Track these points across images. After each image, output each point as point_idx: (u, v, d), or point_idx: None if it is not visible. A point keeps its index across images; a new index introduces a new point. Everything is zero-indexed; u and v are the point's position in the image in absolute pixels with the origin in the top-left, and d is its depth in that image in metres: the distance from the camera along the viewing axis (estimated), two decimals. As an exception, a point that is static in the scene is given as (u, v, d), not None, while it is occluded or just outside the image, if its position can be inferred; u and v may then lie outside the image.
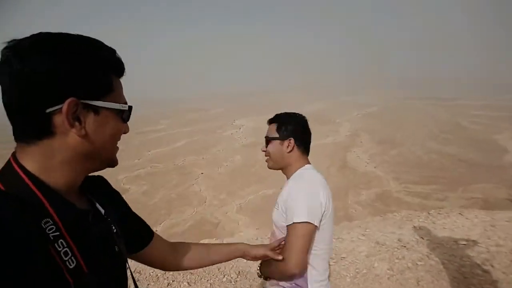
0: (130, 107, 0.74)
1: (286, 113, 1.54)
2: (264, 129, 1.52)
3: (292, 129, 1.48)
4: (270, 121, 1.53)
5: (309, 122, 1.51)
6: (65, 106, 0.59)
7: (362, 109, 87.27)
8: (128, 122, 0.75)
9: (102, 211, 0.77)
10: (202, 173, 40.59)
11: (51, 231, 0.58)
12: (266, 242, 4.37)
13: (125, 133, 0.77)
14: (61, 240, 0.58)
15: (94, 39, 0.69)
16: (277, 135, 1.48)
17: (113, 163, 0.76)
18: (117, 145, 0.76)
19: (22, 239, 0.53)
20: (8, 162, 0.64)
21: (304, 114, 1.55)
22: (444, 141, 48.20)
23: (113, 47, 0.69)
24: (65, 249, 0.58)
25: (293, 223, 1.25)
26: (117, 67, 0.70)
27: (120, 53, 0.71)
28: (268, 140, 1.49)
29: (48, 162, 0.63)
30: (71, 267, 0.59)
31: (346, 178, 35.79)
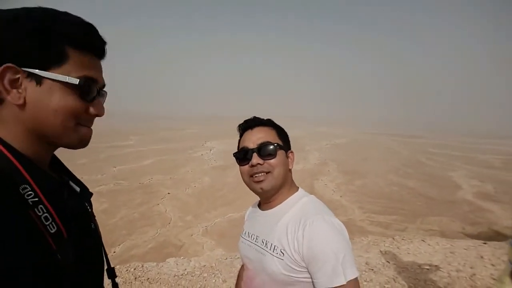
0: (85, 83, 0.66)
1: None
2: (234, 151, 1.15)
3: (289, 140, 1.19)
4: (262, 123, 1.14)
5: None
6: None
7: (332, 139, 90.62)
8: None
9: (77, 189, 0.77)
10: (168, 193, 39.25)
11: (29, 197, 0.56)
12: (236, 262, 4.31)
13: (96, 115, 0.72)
14: (40, 205, 0.57)
15: (59, 12, 0.65)
16: (281, 143, 1.12)
17: (69, 144, 0.70)
18: (79, 123, 0.69)
19: (0, 203, 0.52)
20: None
21: None
22: (404, 175, 50.79)
23: None
24: (45, 214, 0.57)
25: (348, 281, 0.87)
26: (78, 40, 0.65)
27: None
28: (272, 148, 1.06)
29: (13, 130, 0.62)
30: (52, 231, 0.58)
31: (313, 206, 36.17)
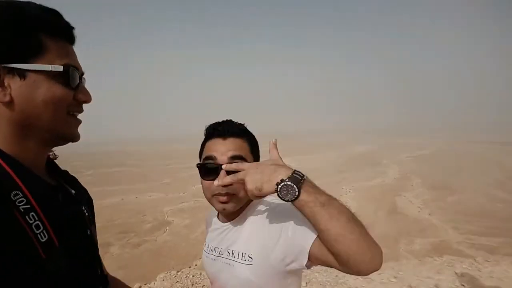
0: (69, 69, 0.64)
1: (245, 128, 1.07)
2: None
3: (259, 154, 1.10)
4: (236, 133, 1.02)
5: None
6: None
7: (413, 151, 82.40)
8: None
9: (73, 192, 0.74)
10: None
11: (21, 204, 0.54)
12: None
13: (84, 101, 0.69)
14: (32, 213, 0.55)
15: (22, 1, 0.62)
16: (253, 160, 1.03)
17: (65, 136, 0.67)
18: (70, 114, 0.67)
19: None
20: None
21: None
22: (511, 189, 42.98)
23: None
24: (36, 222, 0.55)
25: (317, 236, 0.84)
26: (51, 27, 0.63)
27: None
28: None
29: (2, 131, 0.60)
30: (42, 240, 0.56)
31: (396, 224, 33.02)
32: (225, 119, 1.07)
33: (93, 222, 0.79)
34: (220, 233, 1.09)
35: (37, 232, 0.55)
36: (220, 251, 1.06)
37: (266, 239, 0.94)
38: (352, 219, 0.75)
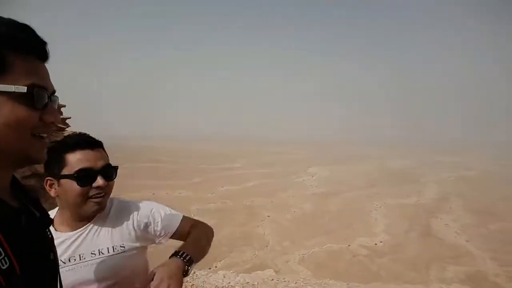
0: (34, 90, 0.59)
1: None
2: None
3: None
4: (99, 144, 1.19)
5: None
6: None
7: (457, 171, 77.30)
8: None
9: (38, 214, 0.70)
10: (268, 216, 40.11)
11: None
12: (282, 285, 3.93)
13: (51, 122, 0.64)
14: None
15: None
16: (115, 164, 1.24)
17: (29, 158, 0.63)
18: (36, 135, 0.62)
19: None
20: None
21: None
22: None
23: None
24: None
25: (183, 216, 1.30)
26: (19, 43, 0.58)
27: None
28: (113, 170, 1.19)
29: None
30: (3, 268, 0.52)
31: (428, 248, 30.98)
32: (79, 132, 1.26)
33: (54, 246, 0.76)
34: (73, 241, 1.14)
35: None
36: (79, 257, 1.12)
37: (132, 227, 1.20)
38: (206, 244, 1.24)
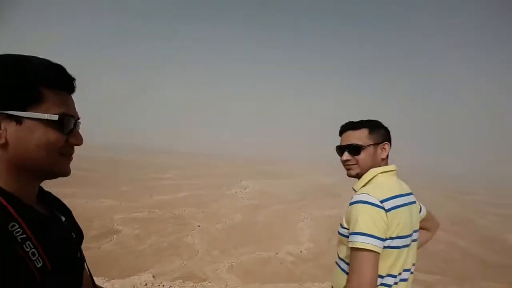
0: (65, 118, 0.73)
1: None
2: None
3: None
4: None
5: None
6: None
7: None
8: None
9: (63, 218, 0.85)
10: (199, 226, 39.27)
11: (18, 234, 0.62)
12: None
13: (76, 144, 0.78)
14: (28, 241, 0.63)
15: (27, 56, 0.72)
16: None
17: (56, 173, 0.76)
18: (62, 154, 0.75)
19: None
20: None
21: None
22: (454, 233, 46.04)
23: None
24: (32, 249, 0.63)
25: None
26: (51, 80, 0.71)
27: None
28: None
29: None
30: (38, 266, 0.63)
31: (347, 254, 33.66)
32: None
33: (81, 243, 0.91)
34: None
35: (33, 258, 0.62)
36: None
37: None
38: None
